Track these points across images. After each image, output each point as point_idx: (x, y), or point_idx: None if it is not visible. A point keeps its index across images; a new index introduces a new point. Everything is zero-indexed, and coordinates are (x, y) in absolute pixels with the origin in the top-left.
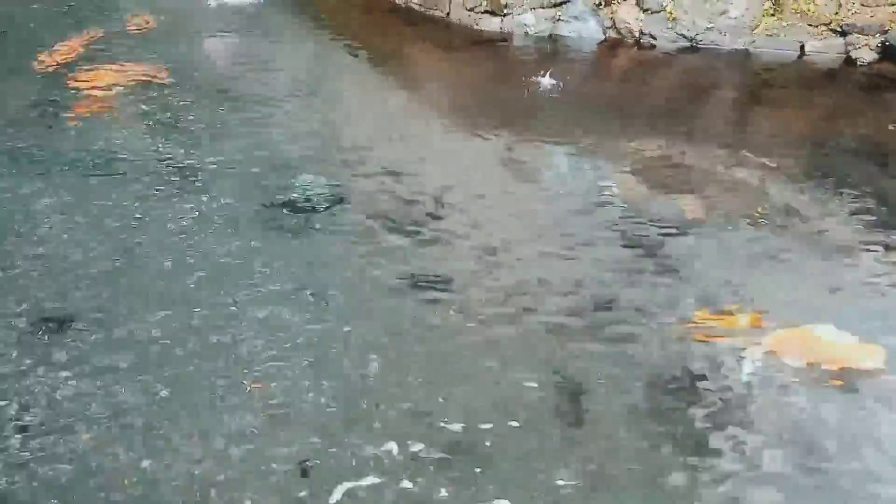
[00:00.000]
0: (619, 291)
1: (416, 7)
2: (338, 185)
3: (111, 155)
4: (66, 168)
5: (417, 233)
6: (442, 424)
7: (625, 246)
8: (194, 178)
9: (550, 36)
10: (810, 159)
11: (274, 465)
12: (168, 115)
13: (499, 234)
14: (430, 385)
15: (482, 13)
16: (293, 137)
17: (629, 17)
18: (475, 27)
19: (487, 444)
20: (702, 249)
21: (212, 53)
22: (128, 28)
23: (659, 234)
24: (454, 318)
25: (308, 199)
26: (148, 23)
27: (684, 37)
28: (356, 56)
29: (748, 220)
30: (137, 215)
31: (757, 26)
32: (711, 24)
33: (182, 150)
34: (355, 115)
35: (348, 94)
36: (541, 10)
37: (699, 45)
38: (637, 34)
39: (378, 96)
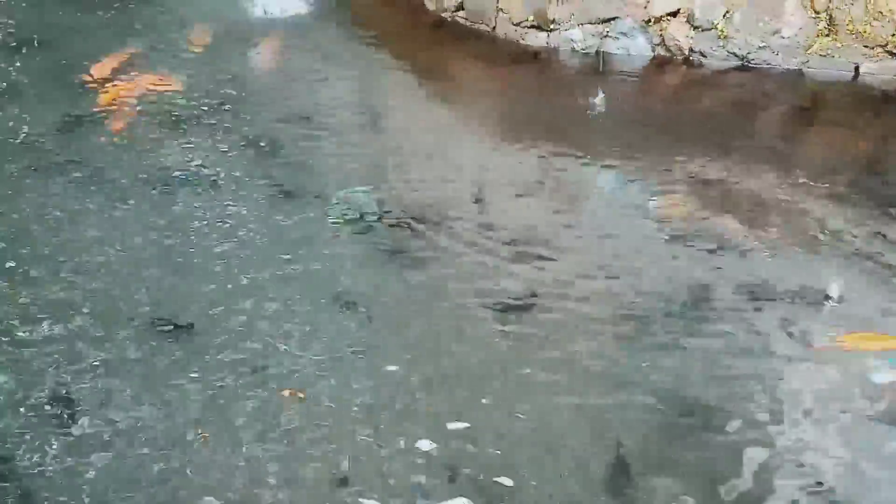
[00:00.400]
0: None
1: (462, 21)
2: (390, 202)
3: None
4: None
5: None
6: None
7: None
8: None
9: (598, 52)
10: (865, 182)
11: None
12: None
13: (549, 254)
14: None
15: (528, 28)
16: (338, 150)
17: (679, 34)
18: (521, 42)
19: None
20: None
21: (261, 67)
22: (180, 40)
23: (716, 256)
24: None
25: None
26: (199, 37)
27: (735, 55)
28: (402, 70)
29: (809, 243)
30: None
31: (811, 46)
32: (764, 44)
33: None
34: (401, 130)
35: (394, 110)
36: (588, 25)
37: (751, 64)
38: (687, 52)
39: (423, 111)
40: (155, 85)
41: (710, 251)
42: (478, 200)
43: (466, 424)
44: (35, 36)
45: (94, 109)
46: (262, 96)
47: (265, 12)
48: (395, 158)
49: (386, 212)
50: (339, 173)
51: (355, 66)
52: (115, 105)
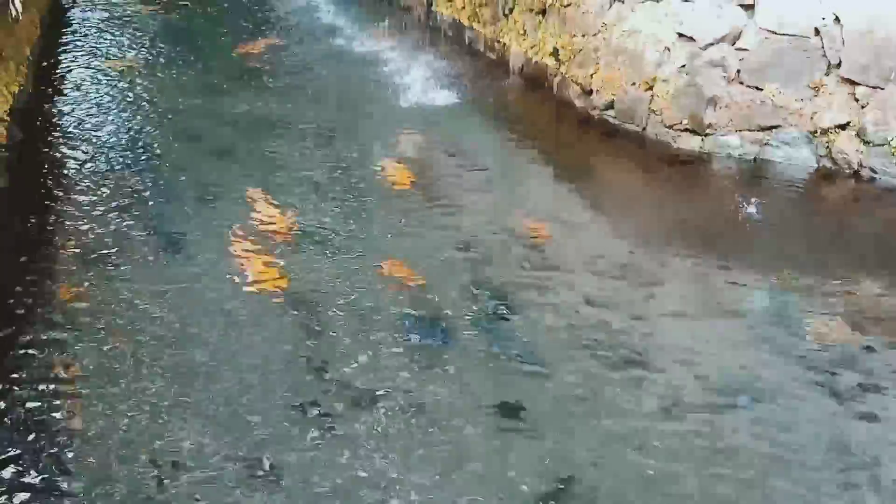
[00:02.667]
0: None
1: (610, 119)
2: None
3: None
4: None
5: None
6: None
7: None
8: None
9: (756, 160)
10: None
11: None
12: None
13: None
14: None
15: (682, 131)
16: (477, 244)
17: (848, 147)
18: (673, 145)
19: None
20: None
21: (408, 148)
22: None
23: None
24: None
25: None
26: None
27: None
28: (547, 167)
29: None
30: None
31: None
32: None
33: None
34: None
35: (534, 209)
36: (747, 132)
37: None
38: (856, 166)
39: (569, 213)
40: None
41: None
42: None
43: None
44: None
45: None
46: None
47: (413, 102)
48: (534, 259)
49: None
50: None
51: (498, 160)
52: None
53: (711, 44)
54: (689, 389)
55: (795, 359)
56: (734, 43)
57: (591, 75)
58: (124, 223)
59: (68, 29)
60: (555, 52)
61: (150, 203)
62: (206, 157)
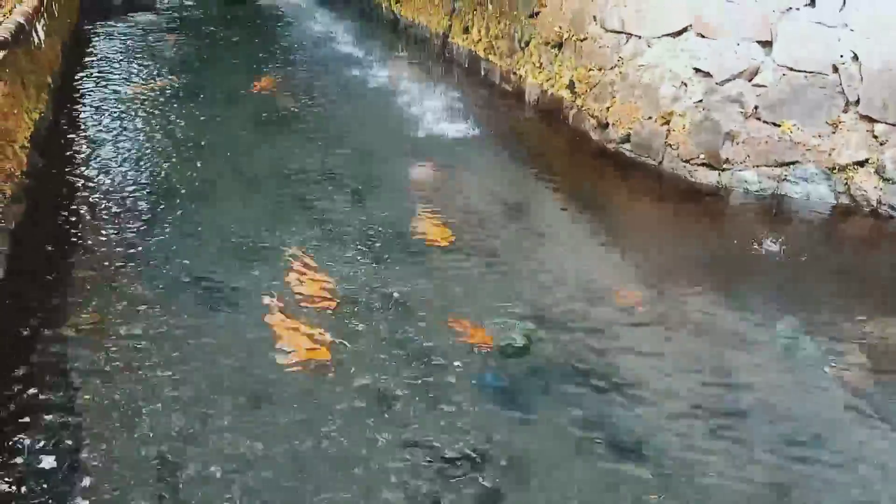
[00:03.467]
0: None
1: (626, 153)
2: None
3: None
4: None
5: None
6: None
7: None
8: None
9: (774, 195)
10: None
11: None
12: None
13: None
14: None
15: (698, 165)
16: (493, 277)
17: (867, 184)
18: (689, 179)
19: None
20: None
21: (419, 178)
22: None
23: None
24: None
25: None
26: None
27: None
28: (563, 199)
29: None
30: None
31: None
32: None
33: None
34: (556, 264)
35: (550, 240)
36: (765, 167)
37: None
38: (875, 203)
39: (586, 249)
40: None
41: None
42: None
43: None
44: None
45: None
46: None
47: (431, 134)
48: (551, 295)
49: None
50: (491, 298)
51: (514, 192)
52: None
53: (729, 79)
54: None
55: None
56: (751, 79)
57: (608, 108)
58: (142, 261)
59: (89, 56)
60: (570, 85)
61: (168, 244)
62: (227, 198)
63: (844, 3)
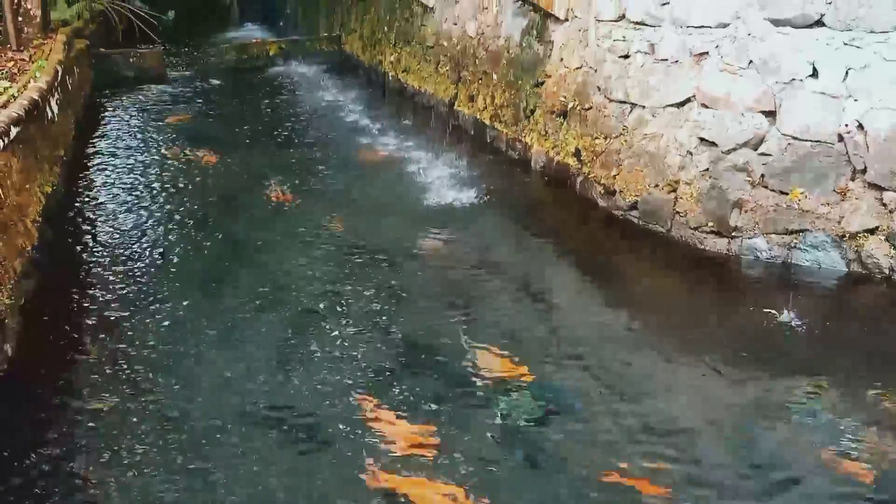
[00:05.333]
0: None
1: (635, 220)
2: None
3: None
4: None
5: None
6: None
7: None
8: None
9: (784, 263)
10: None
11: None
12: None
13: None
14: None
15: (707, 233)
16: (503, 342)
17: (878, 252)
18: (698, 246)
19: None
20: None
21: (427, 250)
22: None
23: None
24: None
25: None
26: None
27: None
28: (570, 268)
29: None
30: None
31: None
32: None
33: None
34: (565, 334)
35: (558, 309)
36: (774, 235)
37: None
38: (887, 271)
39: (594, 315)
40: None
41: None
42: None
43: None
44: None
45: None
46: (424, 289)
47: (436, 202)
48: (559, 364)
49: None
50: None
51: (521, 261)
52: None
53: (734, 149)
54: None
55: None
56: (757, 148)
57: (614, 176)
58: (151, 342)
59: (102, 128)
60: (577, 153)
61: (173, 329)
62: (237, 309)
63: (847, 73)
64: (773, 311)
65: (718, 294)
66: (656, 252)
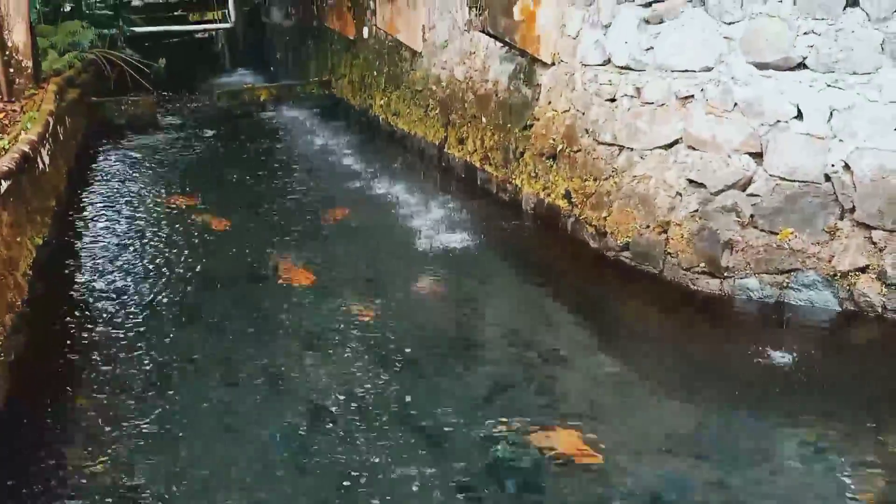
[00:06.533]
0: None
1: (627, 261)
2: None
3: None
4: None
5: None
6: None
7: None
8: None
9: (777, 302)
10: None
11: None
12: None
13: None
14: None
15: (699, 273)
16: (493, 391)
17: (870, 290)
18: (691, 287)
19: None
20: None
21: (421, 293)
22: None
23: None
24: None
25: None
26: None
27: None
28: (562, 309)
29: None
30: None
31: None
32: None
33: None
34: (554, 373)
35: (550, 351)
36: (766, 275)
37: None
38: (880, 309)
39: (583, 357)
40: None
41: None
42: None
43: None
44: None
45: None
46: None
47: (427, 246)
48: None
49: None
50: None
51: (512, 301)
52: None
53: (722, 190)
54: None
55: None
56: (745, 189)
57: (605, 217)
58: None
59: (94, 176)
60: (567, 195)
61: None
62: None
63: (831, 114)
64: (768, 352)
65: (712, 335)
66: (649, 293)
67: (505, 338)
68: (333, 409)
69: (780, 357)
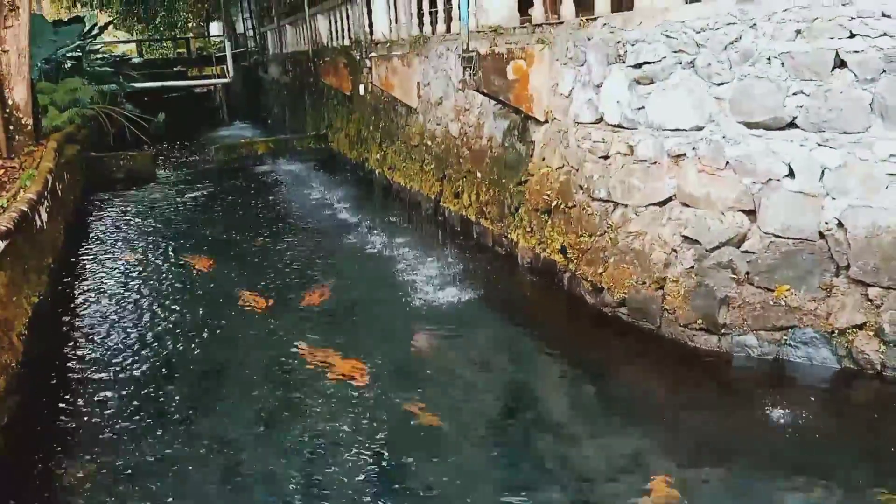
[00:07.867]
0: None
1: (623, 317)
2: None
3: None
4: None
5: None
6: None
7: None
8: None
9: (775, 359)
10: None
11: None
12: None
13: None
14: None
15: (697, 330)
16: (496, 458)
17: (868, 347)
18: (689, 344)
19: None
20: None
21: (419, 350)
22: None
23: None
24: None
25: None
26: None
27: None
28: (559, 367)
29: None
30: None
31: None
32: None
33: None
34: (553, 432)
35: (548, 411)
36: (764, 332)
37: None
38: (878, 367)
39: (581, 417)
40: None
41: None
42: None
43: None
44: None
45: None
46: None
47: (423, 302)
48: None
49: None
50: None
51: (507, 360)
52: None
53: (717, 246)
54: None
55: None
56: (740, 245)
57: (601, 273)
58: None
59: (91, 233)
60: (563, 250)
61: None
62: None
63: (823, 172)
64: (767, 410)
65: (710, 393)
66: (647, 350)
67: (494, 395)
68: None
69: (779, 415)
